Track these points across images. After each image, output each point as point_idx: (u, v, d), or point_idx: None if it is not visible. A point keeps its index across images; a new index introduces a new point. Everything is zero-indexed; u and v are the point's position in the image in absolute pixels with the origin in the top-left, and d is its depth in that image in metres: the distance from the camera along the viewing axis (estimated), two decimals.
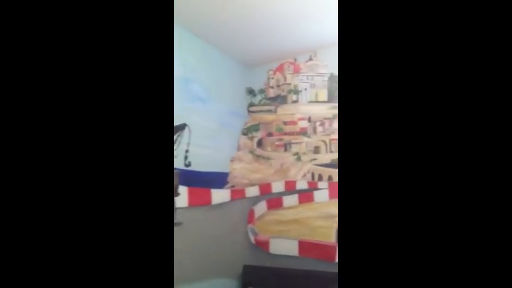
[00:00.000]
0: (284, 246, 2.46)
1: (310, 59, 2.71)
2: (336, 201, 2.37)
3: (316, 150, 2.54)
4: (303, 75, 2.71)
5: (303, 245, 2.39)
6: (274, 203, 2.60)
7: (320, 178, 2.48)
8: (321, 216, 2.39)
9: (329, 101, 2.58)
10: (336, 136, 2.49)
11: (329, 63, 2.62)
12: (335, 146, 2.48)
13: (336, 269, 2.17)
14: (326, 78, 2.62)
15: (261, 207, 2.63)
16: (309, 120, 2.62)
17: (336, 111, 2.52)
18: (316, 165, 2.51)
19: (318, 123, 2.57)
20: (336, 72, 2.58)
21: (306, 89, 2.68)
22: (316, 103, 2.62)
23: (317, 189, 2.47)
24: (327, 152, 2.50)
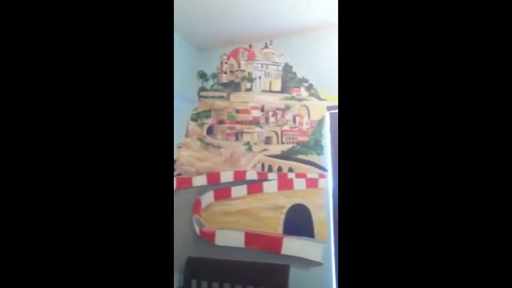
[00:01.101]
0: (230, 238, 2.40)
1: (266, 47, 2.64)
2: (284, 192, 2.37)
3: (268, 140, 2.50)
4: (258, 63, 2.63)
5: (249, 237, 2.36)
6: (222, 193, 2.52)
7: (270, 169, 2.45)
8: (269, 208, 2.37)
9: (282, 91, 2.54)
10: (287, 127, 2.47)
11: (284, 53, 2.58)
12: (286, 138, 2.46)
13: (281, 261, 2.19)
14: (281, 68, 2.58)
15: (208, 197, 2.54)
16: (262, 109, 2.56)
17: (288, 102, 2.50)
18: (267, 156, 2.47)
19: (270, 114, 2.53)
20: (291, 62, 2.55)
21: (260, 77, 2.61)
22: (269, 93, 2.57)
23: (266, 180, 2.44)
24: (278, 143, 2.47)
